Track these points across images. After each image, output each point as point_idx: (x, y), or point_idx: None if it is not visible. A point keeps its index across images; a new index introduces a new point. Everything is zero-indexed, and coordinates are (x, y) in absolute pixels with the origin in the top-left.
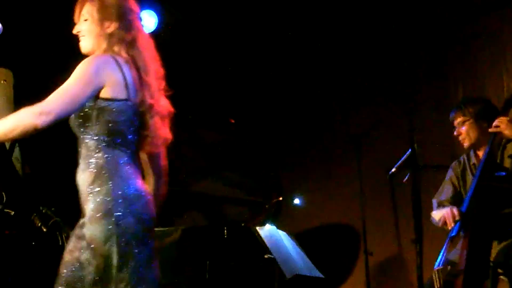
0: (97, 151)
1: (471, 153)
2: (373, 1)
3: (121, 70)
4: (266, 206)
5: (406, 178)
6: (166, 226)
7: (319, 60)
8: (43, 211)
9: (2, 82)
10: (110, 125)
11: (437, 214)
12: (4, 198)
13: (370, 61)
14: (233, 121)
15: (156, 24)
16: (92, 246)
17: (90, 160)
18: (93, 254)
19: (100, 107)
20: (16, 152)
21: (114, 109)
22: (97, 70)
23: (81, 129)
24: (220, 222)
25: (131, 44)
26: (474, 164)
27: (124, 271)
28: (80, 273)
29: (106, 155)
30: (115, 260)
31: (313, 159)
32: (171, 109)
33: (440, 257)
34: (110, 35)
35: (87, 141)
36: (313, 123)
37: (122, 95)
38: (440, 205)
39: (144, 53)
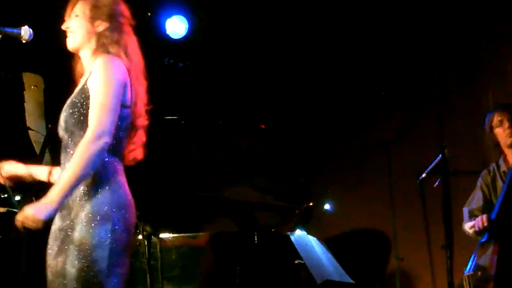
0: None
1: (500, 161)
2: (404, 8)
3: (129, 75)
4: (297, 211)
5: (437, 183)
6: (197, 232)
7: (350, 66)
8: None
9: (32, 87)
10: (118, 128)
11: (468, 226)
12: None
13: (400, 67)
14: (263, 126)
15: (187, 29)
16: (81, 248)
17: None
18: (80, 257)
19: None
20: (47, 157)
21: (119, 115)
22: (120, 73)
23: (81, 129)
24: (251, 227)
25: (125, 49)
26: (504, 171)
27: (113, 278)
28: (64, 279)
29: (106, 160)
30: (104, 265)
31: (344, 165)
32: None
33: (470, 262)
34: (100, 34)
35: None
36: (344, 129)
37: (127, 101)
38: (472, 214)
39: (134, 61)
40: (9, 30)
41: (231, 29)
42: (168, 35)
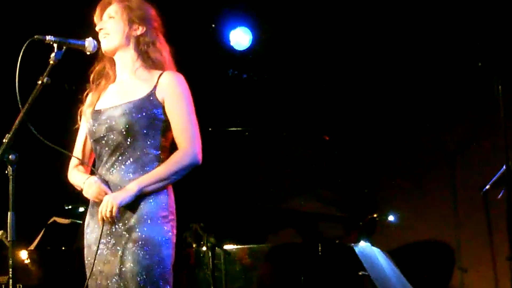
0: (157, 161)
1: None
2: (467, 18)
3: None
4: (361, 223)
5: (501, 195)
6: (261, 243)
7: (413, 76)
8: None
9: None
10: (170, 141)
11: None
12: None
13: (464, 77)
14: (327, 138)
15: (251, 41)
16: (146, 246)
17: (148, 168)
18: (147, 255)
19: (169, 122)
20: None
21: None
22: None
23: (146, 137)
24: (315, 239)
25: (168, 58)
26: None
27: (172, 276)
28: (122, 279)
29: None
30: (169, 264)
31: (407, 176)
32: None
33: None
34: (138, 38)
35: (149, 149)
36: (408, 140)
37: None
38: None
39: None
40: (73, 41)
41: (295, 40)
42: (232, 46)
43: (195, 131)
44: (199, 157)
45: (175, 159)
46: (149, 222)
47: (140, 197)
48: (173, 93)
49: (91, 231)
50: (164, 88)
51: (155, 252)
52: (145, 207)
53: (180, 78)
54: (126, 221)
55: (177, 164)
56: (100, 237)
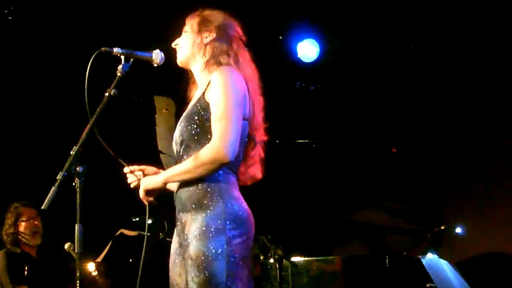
0: None
1: None
2: None
3: (247, 85)
4: (428, 235)
5: None
6: (328, 255)
7: (478, 86)
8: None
9: (164, 111)
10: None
11: None
12: (166, 227)
13: None
14: (395, 150)
15: (318, 53)
16: (198, 262)
17: None
18: (198, 271)
19: None
20: None
21: None
22: (240, 84)
23: (198, 142)
24: (382, 251)
25: (235, 59)
26: None
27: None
28: None
29: (220, 173)
30: (223, 278)
31: (475, 187)
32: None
33: None
34: (208, 45)
35: None
36: (475, 151)
37: (246, 113)
38: None
39: (247, 73)
40: (140, 53)
41: (362, 52)
42: (299, 58)
43: (227, 125)
44: (224, 152)
45: (199, 153)
46: (201, 236)
47: (194, 209)
48: (214, 87)
49: (173, 240)
50: (211, 86)
51: (205, 268)
52: (200, 221)
53: (226, 71)
54: (187, 236)
55: (199, 158)
56: (179, 247)
